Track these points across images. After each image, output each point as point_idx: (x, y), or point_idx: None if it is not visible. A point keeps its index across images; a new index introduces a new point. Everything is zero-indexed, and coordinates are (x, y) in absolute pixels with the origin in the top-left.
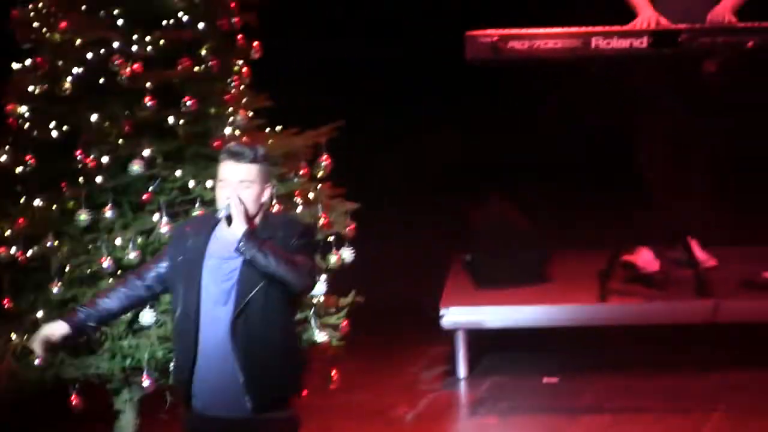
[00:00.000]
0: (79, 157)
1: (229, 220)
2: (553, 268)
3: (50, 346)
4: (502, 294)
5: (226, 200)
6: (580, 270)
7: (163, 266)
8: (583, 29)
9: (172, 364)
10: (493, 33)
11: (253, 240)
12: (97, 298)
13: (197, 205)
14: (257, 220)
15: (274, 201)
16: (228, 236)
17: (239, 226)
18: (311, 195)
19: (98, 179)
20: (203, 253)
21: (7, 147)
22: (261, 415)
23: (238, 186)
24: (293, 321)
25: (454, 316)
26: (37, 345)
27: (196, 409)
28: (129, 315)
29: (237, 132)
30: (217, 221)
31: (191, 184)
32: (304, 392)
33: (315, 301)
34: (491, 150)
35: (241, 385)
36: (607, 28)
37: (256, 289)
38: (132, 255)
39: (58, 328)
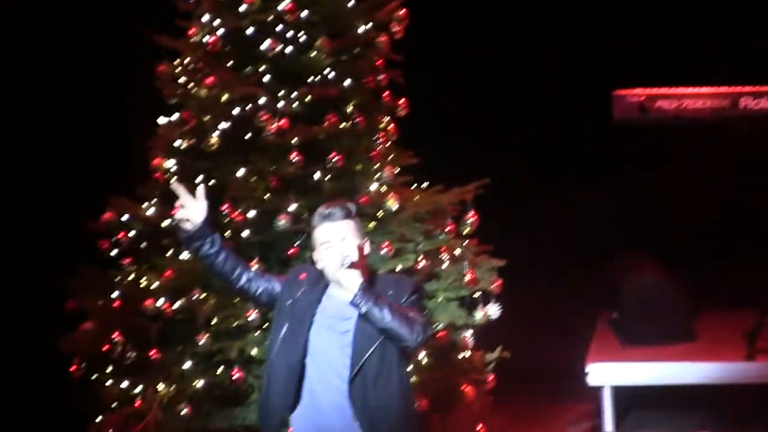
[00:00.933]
0: (225, 212)
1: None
2: (700, 327)
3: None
4: (649, 351)
5: (340, 256)
6: (726, 329)
7: (276, 287)
8: (732, 89)
9: (260, 398)
10: (640, 92)
11: (369, 293)
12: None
13: None
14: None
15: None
16: (341, 296)
17: (355, 280)
18: (457, 251)
19: (245, 233)
20: (314, 312)
21: (154, 201)
22: None
23: (341, 244)
24: (407, 375)
25: (600, 372)
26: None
27: None
28: None
29: (383, 188)
30: (328, 283)
31: None
32: None
33: None
34: (636, 209)
35: None
36: (756, 88)
37: (372, 348)
38: None
39: (195, 216)
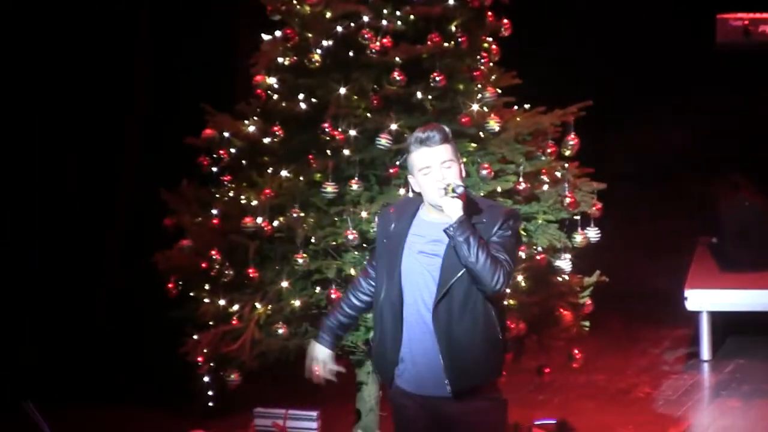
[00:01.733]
0: (326, 130)
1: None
2: None
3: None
4: (749, 277)
5: (444, 182)
6: None
7: (373, 265)
8: None
9: (373, 345)
10: (744, 16)
11: (466, 226)
12: (336, 312)
13: None
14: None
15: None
16: (434, 220)
17: (456, 211)
18: (558, 174)
19: (345, 152)
20: (405, 237)
21: (255, 118)
22: (462, 398)
23: (442, 168)
24: (496, 306)
25: (699, 298)
26: (321, 371)
27: (400, 387)
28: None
29: (485, 108)
30: (419, 206)
31: None
32: (503, 376)
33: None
34: (737, 133)
35: (442, 369)
36: None
37: (459, 274)
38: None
39: (324, 355)
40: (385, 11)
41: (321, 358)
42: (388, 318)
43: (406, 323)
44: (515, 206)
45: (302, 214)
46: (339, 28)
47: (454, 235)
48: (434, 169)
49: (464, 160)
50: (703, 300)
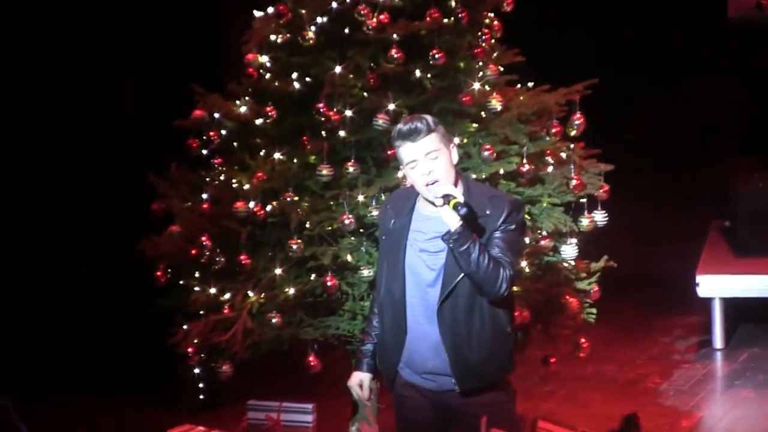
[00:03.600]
0: (321, 110)
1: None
2: None
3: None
4: (763, 262)
5: (440, 189)
6: None
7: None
8: None
9: (377, 342)
10: None
11: (465, 237)
12: (367, 343)
13: None
14: (460, 191)
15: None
16: (432, 213)
17: (455, 221)
18: (563, 155)
19: (341, 133)
20: (407, 234)
21: (246, 98)
22: (470, 393)
23: (427, 161)
24: (503, 303)
25: (712, 284)
26: (365, 395)
27: (404, 378)
28: (371, 274)
29: (486, 87)
30: (416, 198)
31: None
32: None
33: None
34: (751, 112)
35: (449, 369)
36: None
37: (463, 274)
38: (375, 213)
39: (367, 380)
40: None
41: (358, 380)
42: (390, 316)
43: (410, 322)
44: (519, 189)
45: (296, 199)
46: (334, 4)
47: (453, 247)
48: (420, 162)
49: (465, 140)
50: (716, 286)
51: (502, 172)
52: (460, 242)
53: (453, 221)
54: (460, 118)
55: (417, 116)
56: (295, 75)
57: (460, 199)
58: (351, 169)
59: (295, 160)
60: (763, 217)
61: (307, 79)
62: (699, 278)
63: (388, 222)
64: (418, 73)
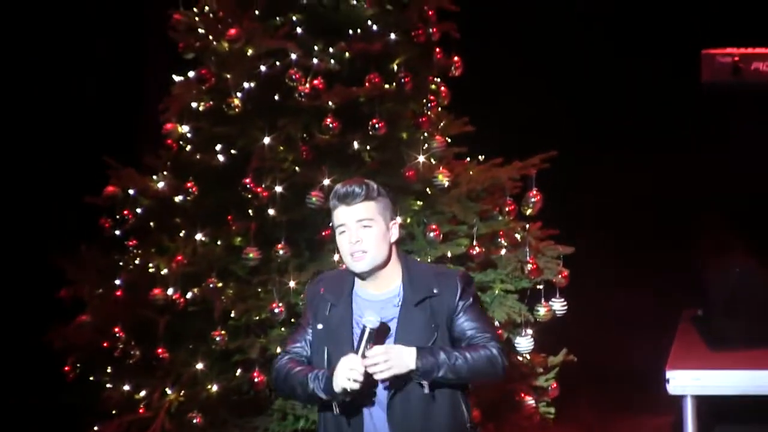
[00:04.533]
0: (248, 186)
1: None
2: None
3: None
4: (739, 356)
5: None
6: None
7: (309, 332)
8: None
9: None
10: (734, 51)
11: (430, 364)
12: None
13: None
14: (398, 274)
15: (400, 236)
16: (372, 297)
17: (409, 362)
18: (518, 236)
19: (270, 212)
20: (350, 327)
21: (165, 172)
22: None
23: (358, 228)
24: (463, 391)
25: (683, 380)
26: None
27: None
28: None
29: (432, 160)
30: (353, 281)
31: None
32: None
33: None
34: (726, 185)
35: None
36: None
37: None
38: None
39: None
40: (316, 48)
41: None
42: (331, 417)
43: (353, 424)
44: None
45: (220, 285)
46: (262, 68)
47: (429, 380)
48: (350, 229)
49: (409, 220)
50: (688, 382)
51: (449, 255)
52: (428, 373)
53: (408, 363)
54: (403, 195)
55: (360, 180)
56: (219, 147)
57: (374, 325)
58: (281, 252)
59: (218, 242)
60: (737, 304)
61: (233, 151)
62: (669, 374)
63: (324, 308)
64: (356, 144)
